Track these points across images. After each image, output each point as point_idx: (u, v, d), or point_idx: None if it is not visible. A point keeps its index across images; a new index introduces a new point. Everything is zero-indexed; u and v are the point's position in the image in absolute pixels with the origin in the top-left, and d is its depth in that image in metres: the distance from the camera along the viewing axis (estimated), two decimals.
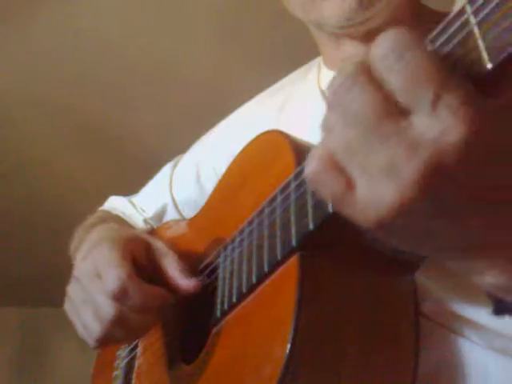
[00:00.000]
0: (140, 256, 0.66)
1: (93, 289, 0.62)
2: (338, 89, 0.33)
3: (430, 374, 0.51)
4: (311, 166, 0.35)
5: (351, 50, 0.66)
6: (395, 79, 0.31)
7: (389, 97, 0.31)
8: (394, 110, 0.31)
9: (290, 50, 1.53)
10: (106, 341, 0.63)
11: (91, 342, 0.64)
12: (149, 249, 0.68)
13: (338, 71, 0.34)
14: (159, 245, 0.68)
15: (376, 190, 0.32)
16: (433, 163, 0.30)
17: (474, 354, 0.53)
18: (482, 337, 0.53)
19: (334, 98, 0.34)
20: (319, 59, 0.76)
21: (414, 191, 0.31)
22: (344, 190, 0.34)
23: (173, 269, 0.65)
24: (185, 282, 0.64)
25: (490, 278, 0.37)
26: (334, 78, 0.34)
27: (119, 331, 0.62)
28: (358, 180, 0.33)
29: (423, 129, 0.30)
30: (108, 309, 0.60)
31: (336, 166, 0.34)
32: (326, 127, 0.35)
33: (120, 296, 0.59)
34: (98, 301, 0.61)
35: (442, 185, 0.31)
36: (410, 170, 0.31)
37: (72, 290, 0.65)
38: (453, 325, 0.53)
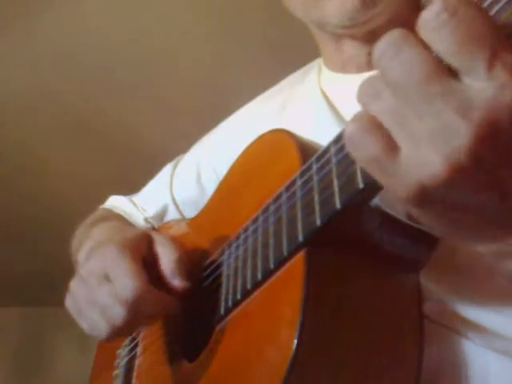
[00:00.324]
0: (145, 253, 0.65)
1: (101, 291, 0.61)
2: (386, 52, 0.32)
3: (431, 375, 0.51)
4: (351, 126, 0.34)
5: (352, 50, 0.66)
6: (448, 38, 0.29)
7: (439, 58, 0.30)
8: (444, 71, 0.30)
9: (290, 49, 1.54)
10: (114, 338, 0.63)
11: (99, 337, 0.64)
12: (151, 244, 0.67)
13: (386, 35, 0.32)
14: (161, 240, 0.68)
15: (422, 156, 0.31)
16: (487, 125, 0.29)
17: (476, 354, 0.53)
18: (483, 338, 0.53)
19: (381, 61, 0.32)
20: (319, 60, 0.76)
21: (465, 157, 0.29)
22: (384, 154, 0.32)
23: (166, 267, 0.64)
24: (173, 281, 0.63)
25: None
26: (380, 41, 0.33)
27: (127, 331, 0.64)
28: (403, 144, 0.32)
29: (477, 89, 0.29)
30: (120, 316, 0.60)
31: (378, 128, 0.32)
32: (372, 93, 0.33)
33: (134, 306, 0.59)
34: (107, 303, 0.60)
35: (495, 150, 0.29)
36: (461, 133, 0.29)
37: (76, 288, 0.65)
38: (454, 325, 0.53)
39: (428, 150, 0.30)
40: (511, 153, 0.30)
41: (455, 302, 0.53)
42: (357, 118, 0.33)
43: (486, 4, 0.31)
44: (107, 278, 0.61)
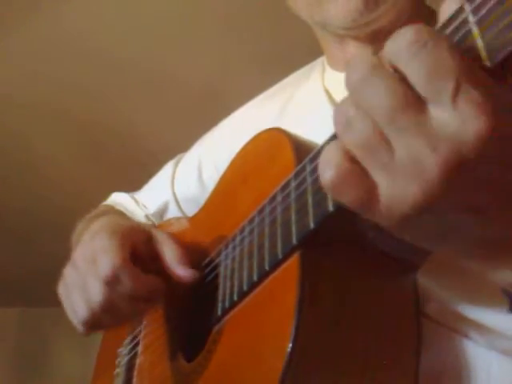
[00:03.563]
0: (140, 246, 0.65)
1: (86, 272, 0.62)
2: (357, 81, 0.32)
3: (433, 375, 0.51)
4: (329, 175, 0.34)
5: (356, 50, 0.66)
6: (417, 69, 0.30)
7: (408, 89, 0.31)
8: (413, 102, 0.31)
9: (291, 50, 1.53)
10: (93, 325, 0.63)
11: (78, 325, 0.64)
12: (150, 239, 0.67)
13: (353, 63, 0.33)
14: (160, 234, 0.68)
15: (399, 188, 0.32)
16: (454, 158, 0.30)
17: (478, 354, 0.53)
18: (484, 337, 0.53)
19: (353, 90, 0.33)
20: (322, 59, 0.76)
21: (437, 187, 0.31)
22: (367, 196, 0.33)
23: (170, 257, 0.64)
24: (181, 271, 0.63)
25: (509, 275, 0.37)
26: (350, 70, 0.33)
27: (106, 316, 0.62)
28: (380, 179, 0.33)
29: (443, 121, 0.30)
30: (97, 293, 0.60)
31: (355, 171, 0.33)
32: (344, 122, 0.34)
33: (111, 281, 0.59)
34: (89, 284, 0.61)
35: (464, 179, 0.31)
36: (431, 165, 0.30)
37: (67, 272, 0.66)
38: (456, 325, 0.53)
39: (403, 181, 0.32)
40: (480, 179, 0.31)
41: (456, 302, 0.53)
42: (333, 164, 0.34)
43: (450, 29, 0.32)
44: (94, 261, 0.62)
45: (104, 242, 0.63)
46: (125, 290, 0.60)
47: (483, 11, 0.30)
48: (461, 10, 0.32)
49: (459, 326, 0.53)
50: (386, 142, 0.32)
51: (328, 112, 0.67)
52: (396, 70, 0.32)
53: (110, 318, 0.62)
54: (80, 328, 0.64)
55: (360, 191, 0.33)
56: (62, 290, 0.66)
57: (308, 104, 0.73)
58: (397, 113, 0.31)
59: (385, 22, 0.61)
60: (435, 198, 0.31)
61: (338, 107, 0.34)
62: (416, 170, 0.31)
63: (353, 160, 0.33)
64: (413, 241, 0.38)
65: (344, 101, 0.34)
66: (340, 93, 0.69)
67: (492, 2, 0.30)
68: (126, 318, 0.66)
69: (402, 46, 0.31)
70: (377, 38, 0.64)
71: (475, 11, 0.31)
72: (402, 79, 0.31)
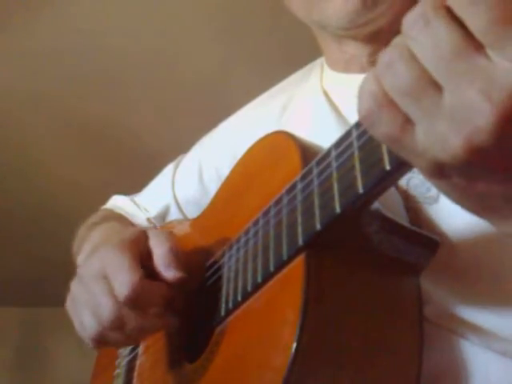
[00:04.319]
0: (143, 252, 0.65)
1: (97, 289, 0.60)
2: (415, 23, 0.31)
3: (432, 376, 0.52)
4: (364, 104, 0.33)
5: (354, 51, 0.66)
6: (483, 14, 0.28)
7: (467, 33, 0.29)
8: (472, 48, 0.29)
9: (291, 50, 1.54)
10: (102, 342, 0.62)
11: (87, 340, 0.63)
12: (147, 240, 0.65)
13: (417, 6, 0.31)
14: (153, 234, 0.66)
15: (440, 134, 0.30)
16: (510, 107, 0.28)
17: (475, 355, 0.53)
18: (482, 339, 0.53)
19: (409, 32, 0.31)
20: (321, 60, 0.76)
21: (486, 139, 0.29)
22: (401, 131, 0.32)
23: (157, 259, 0.62)
24: (166, 273, 0.61)
25: None
26: (410, 12, 0.31)
27: (115, 334, 0.61)
28: (420, 121, 0.31)
29: (504, 70, 0.28)
30: (108, 311, 0.59)
31: (393, 104, 0.32)
32: (386, 61, 0.32)
33: (131, 301, 0.58)
34: (100, 302, 0.60)
35: None
36: (484, 114, 0.29)
37: (75, 288, 0.64)
38: (454, 327, 0.54)
39: (445, 128, 0.30)
40: None
41: (454, 304, 0.54)
42: (372, 94, 0.33)
43: None
44: (105, 278, 0.60)
45: (113, 258, 0.61)
46: (146, 304, 0.59)
47: None
48: None
49: (457, 328, 0.54)
50: (433, 87, 0.30)
51: (326, 113, 0.68)
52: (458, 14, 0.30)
53: (119, 335, 0.61)
54: (89, 343, 0.63)
55: (393, 127, 0.32)
56: (70, 305, 0.65)
57: (307, 105, 0.73)
58: (455, 56, 0.29)
59: (383, 23, 0.61)
60: (480, 152, 0.30)
61: (390, 48, 0.32)
62: (466, 117, 0.29)
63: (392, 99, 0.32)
64: (444, 192, 0.36)
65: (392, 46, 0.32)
66: (338, 94, 0.69)
67: None
68: (134, 338, 0.65)
69: None
70: (375, 38, 0.64)
71: None
72: (461, 23, 0.29)
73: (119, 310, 0.59)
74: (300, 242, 0.49)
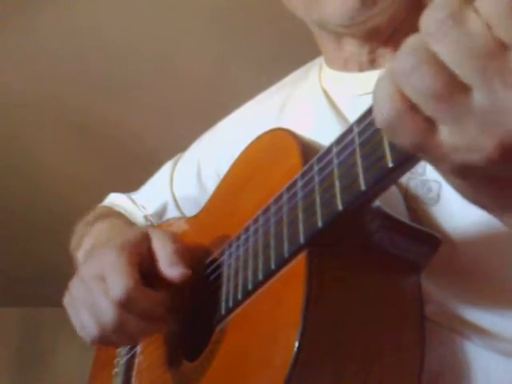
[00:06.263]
0: (145, 255, 0.64)
1: (95, 291, 0.61)
2: (444, 21, 0.29)
3: (433, 376, 0.52)
4: (383, 110, 0.32)
5: (353, 49, 0.66)
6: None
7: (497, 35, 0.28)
8: (503, 48, 0.28)
9: (290, 48, 1.54)
10: (102, 341, 0.62)
11: (87, 340, 0.63)
12: (150, 242, 0.65)
13: (437, 4, 0.29)
14: (155, 233, 0.66)
15: (470, 137, 0.30)
16: None
17: (477, 355, 0.53)
18: (483, 339, 0.53)
19: (437, 30, 0.29)
20: (320, 59, 0.76)
21: None
22: (425, 136, 0.31)
23: (161, 257, 0.63)
24: (170, 272, 0.61)
25: None
26: (434, 9, 0.30)
27: (116, 335, 0.61)
28: (447, 124, 0.30)
29: None
30: (108, 313, 0.59)
31: (415, 109, 0.31)
32: (410, 65, 0.30)
33: (124, 303, 0.58)
34: (99, 303, 0.60)
35: None
36: None
37: (74, 287, 0.65)
38: (455, 327, 0.54)
39: (476, 129, 0.29)
40: None
41: (456, 304, 0.54)
42: (391, 100, 0.31)
43: None
44: (102, 279, 0.60)
45: (113, 259, 0.61)
46: (137, 311, 0.59)
47: None
48: None
49: (458, 328, 0.54)
50: (462, 89, 0.29)
51: (325, 111, 0.68)
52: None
53: (118, 336, 0.61)
54: (88, 342, 0.63)
55: (417, 133, 0.31)
56: (68, 303, 0.65)
57: (306, 103, 0.73)
58: (487, 56, 0.28)
59: (382, 20, 0.61)
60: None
61: (410, 50, 0.31)
62: (498, 119, 0.28)
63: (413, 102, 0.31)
64: (461, 191, 0.35)
65: (410, 45, 0.31)
66: (337, 92, 0.69)
67: None
68: (134, 339, 0.65)
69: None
70: (374, 36, 0.63)
71: None
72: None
73: (119, 313, 0.59)
74: (301, 239, 0.48)
